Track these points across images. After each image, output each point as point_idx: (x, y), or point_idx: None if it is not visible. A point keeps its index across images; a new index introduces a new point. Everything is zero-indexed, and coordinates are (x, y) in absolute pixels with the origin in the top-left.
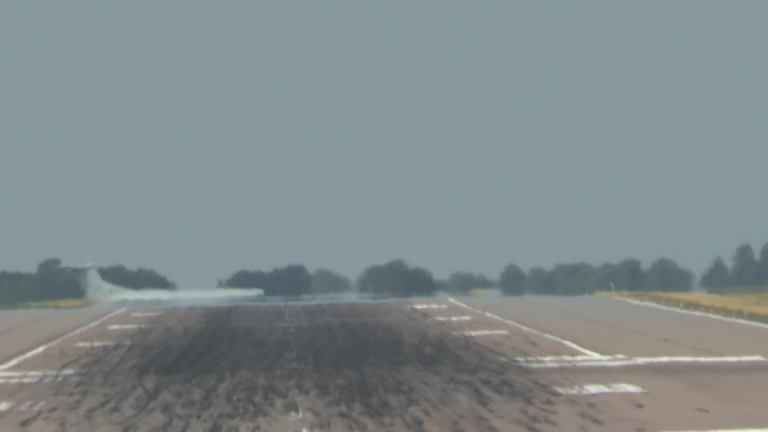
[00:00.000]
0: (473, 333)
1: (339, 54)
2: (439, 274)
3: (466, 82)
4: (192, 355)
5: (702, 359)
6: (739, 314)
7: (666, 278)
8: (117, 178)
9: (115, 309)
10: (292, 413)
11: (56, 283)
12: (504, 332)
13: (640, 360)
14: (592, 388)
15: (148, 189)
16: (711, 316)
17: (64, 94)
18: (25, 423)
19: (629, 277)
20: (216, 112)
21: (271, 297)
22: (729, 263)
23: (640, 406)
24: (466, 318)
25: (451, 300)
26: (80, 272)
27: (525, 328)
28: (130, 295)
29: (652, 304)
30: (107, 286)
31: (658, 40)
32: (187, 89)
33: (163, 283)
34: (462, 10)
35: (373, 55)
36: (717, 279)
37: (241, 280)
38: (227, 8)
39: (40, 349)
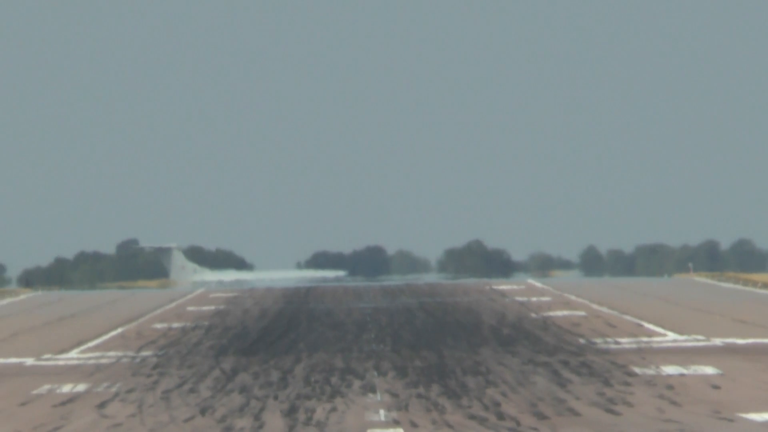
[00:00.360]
0: (552, 314)
1: (404, 36)
2: (518, 254)
3: (543, 60)
4: (270, 336)
5: None
6: None
7: (745, 259)
8: (196, 158)
9: (194, 290)
10: (370, 395)
11: (135, 264)
12: (582, 313)
13: (718, 341)
14: (670, 369)
15: (227, 170)
16: None
17: (142, 79)
18: (102, 405)
19: (708, 258)
20: (294, 93)
21: (353, 278)
22: None
23: (717, 387)
24: (545, 299)
25: (530, 281)
26: (165, 252)
27: (604, 310)
28: (214, 275)
29: (731, 285)
30: (191, 265)
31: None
32: (267, 69)
33: (241, 264)
34: None
35: (437, 36)
36: None
37: (320, 261)
38: None
39: (118, 330)
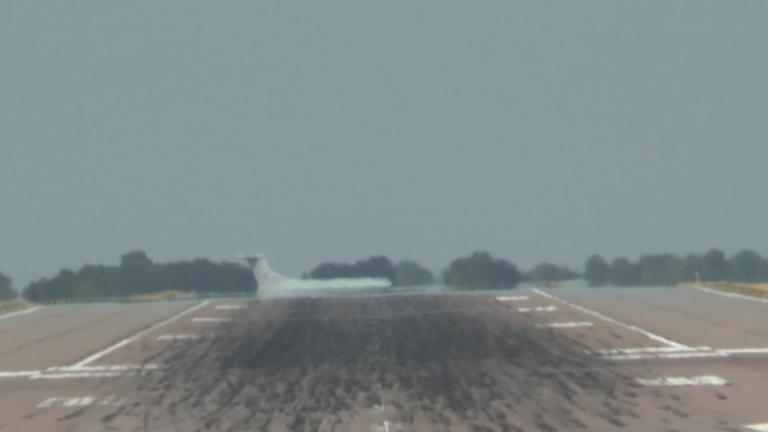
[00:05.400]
0: (557, 324)
1: (408, 44)
2: (524, 265)
3: (547, 71)
4: (275, 348)
5: None
6: None
7: (750, 269)
8: (200, 171)
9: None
10: (375, 406)
11: (140, 277)
12: (588, 324)
13: (724, 352)
14: (676, 380)
15: (229, 183)
16: None
17: (147, 91)
18: (107, 418)
19: (713, 267)
20: (300, 102)
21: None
22: None
23: (723, 398)
24: (550, 309)
25: (535, 290)
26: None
27: (609, 320)
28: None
29: (736, 295)
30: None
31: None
32: (272, 79)
33: (248, 276)
34: None
35: (441, 44)
36: None
37: (325, 272)
38: None
39: (124, 342)
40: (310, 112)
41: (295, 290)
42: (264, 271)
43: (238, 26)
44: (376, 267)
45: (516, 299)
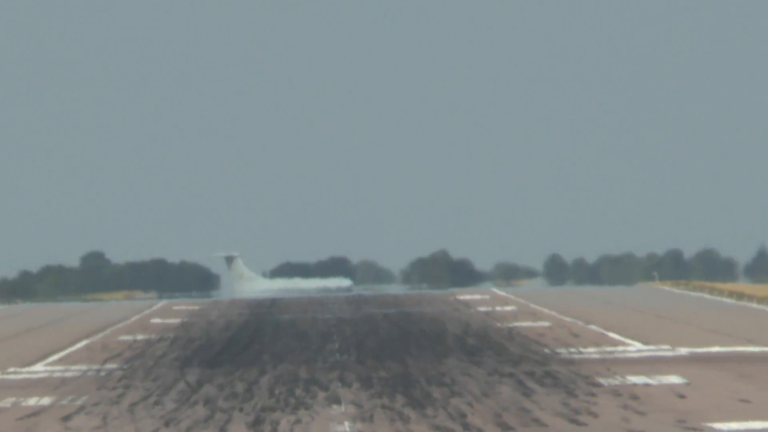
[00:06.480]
0: (516, 324)
1: (369, 44)
2: (483, 264)
3: (513, 71)
4: (234, 347)
5: (745, 349)
6: None
7: (709, 268)
8: (157, 174)
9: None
10: (335, 406)
11: (99, 277)
12: (547, 323)
13: (684, 350)
14: (635, 379)
15: (189, 182)
16: (754, 306)
17: (107, 91)
18: (67, 417)
19: (673, 266)
20: (256, 102)
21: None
22: None
23: (682, 396)
24: (509, 308)
25: (494, 290)
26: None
27: (568, 319)
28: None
29: (696, 294)
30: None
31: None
32: (233, 81)
33: (207, 276)
34: None
35: (401, 44)
36: (761, 268)
37: (286, 271)
38: None
39: (83, 343)
40: (268, 110)
41: (267, 290)
42: (240, 270)
43: (210, 34)
44: (336, 266)
45: (475, 298)
